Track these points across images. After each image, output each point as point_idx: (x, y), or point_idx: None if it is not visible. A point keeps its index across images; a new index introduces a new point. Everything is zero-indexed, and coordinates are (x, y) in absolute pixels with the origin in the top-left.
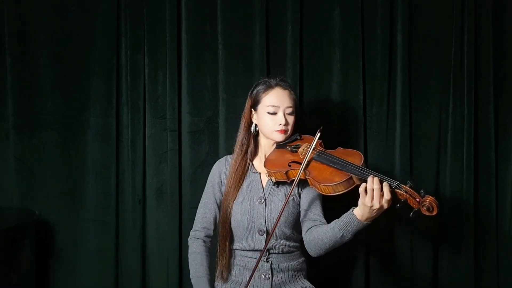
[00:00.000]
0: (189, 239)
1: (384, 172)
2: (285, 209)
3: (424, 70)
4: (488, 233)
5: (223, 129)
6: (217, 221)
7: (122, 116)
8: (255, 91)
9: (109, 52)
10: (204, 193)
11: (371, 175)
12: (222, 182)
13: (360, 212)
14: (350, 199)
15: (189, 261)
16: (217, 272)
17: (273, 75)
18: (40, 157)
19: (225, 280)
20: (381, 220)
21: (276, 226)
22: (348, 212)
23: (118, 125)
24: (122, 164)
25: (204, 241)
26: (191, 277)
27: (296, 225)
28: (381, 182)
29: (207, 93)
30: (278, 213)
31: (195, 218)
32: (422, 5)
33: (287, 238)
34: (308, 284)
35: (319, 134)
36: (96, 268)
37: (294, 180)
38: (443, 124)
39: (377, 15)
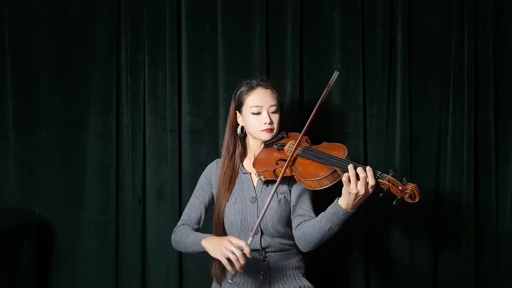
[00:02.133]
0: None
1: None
2: (278, 207)
3: (424, 70)
4: (488, 233)
5: (223, 129)
6: (201, 223)
7: (122, 116)
8: (238, 94)
9: (109, 52)
10: (193, 194)
11: (352, 164)
12: (213, 184)
13: (345, 201)
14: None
15: (178, 239)
16: (213, 274)
17: (273, 75)
18: (40, 157)
19: (221, 281)
20: (380, 219)
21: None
22: (333, 203)
23: (118, 125)
24: (122, 164)
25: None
26: (189, 245)
27: (290, 222)
28: (364, 170)
29: (207, 93)
30: (270, 212)
31: (180, 217)
32: (422, 5)
33: (281, 236)
34: (306, 282)
35: (305, 137)
36: (96, 268)
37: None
38: (443, 124)
39: (377, 15)
